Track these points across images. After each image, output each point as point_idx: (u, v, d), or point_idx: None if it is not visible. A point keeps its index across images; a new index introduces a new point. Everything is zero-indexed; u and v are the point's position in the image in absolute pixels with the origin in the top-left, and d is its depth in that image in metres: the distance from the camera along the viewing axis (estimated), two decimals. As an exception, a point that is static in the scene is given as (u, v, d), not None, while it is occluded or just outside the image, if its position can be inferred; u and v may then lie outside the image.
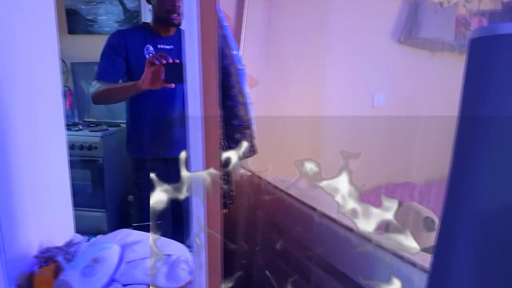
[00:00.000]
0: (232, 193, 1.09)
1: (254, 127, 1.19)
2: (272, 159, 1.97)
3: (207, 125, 0.66)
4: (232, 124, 1.03)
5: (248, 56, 1.86)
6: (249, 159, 1.86)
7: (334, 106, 2.16)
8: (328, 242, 1.27)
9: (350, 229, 1.16)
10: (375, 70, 2.24)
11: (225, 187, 1.02)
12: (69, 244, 1.09)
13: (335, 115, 2.17)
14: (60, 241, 1.12)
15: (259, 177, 1.66)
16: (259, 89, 1.93)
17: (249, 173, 1.76)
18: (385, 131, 2.28)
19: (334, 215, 1.26)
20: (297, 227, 1.43)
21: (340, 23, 2.05)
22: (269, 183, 1.60)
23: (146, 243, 1.18)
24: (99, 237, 1.19)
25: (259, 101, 1.92)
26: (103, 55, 1.45)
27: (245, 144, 1.03)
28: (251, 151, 1.15)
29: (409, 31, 2.12)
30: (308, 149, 2.07)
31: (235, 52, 1.15)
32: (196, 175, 0.66)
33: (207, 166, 0.66)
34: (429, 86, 2.04)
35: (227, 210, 1.20)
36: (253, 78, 1.58)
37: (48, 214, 1.12)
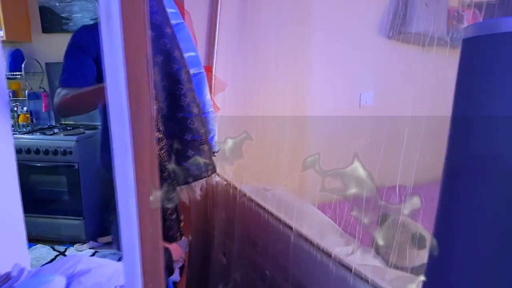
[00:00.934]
0: (180, 225, 0.93)
1: (215, 139, 1.03)
2: (251, 165, 1.83)
3: (137, 147, 0.52)
4: (184, 139, 0.88)
5: (222, 53, 1.71)
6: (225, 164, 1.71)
7: (318, 105, 2.01)
8: (304, 264, 1.13)
9: (329, 254, 1.02)
10: (362, 67, 2.08)
11: (171, 217, 0.87)
12: (4, 279, 0.94)
13: (319, 115, 2.02)
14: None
15: (235, 187, 1.51)
16: (234, 88, 1.78)
17: (225, 182, 1.61)
18: (373, 132, 2.13)
19: (311, 236, 1.11)
20: (272, 245, 1.29)
21: (322, 17, 1.89)
22: (244, 194, 1.45)
23: (97, 273, 1.03)
24: (43, 267, 1.05)
25: (233, 101, 1.77)
26: (67, 56, 1.17)
27: (199, 162, 0.89)
28: (208, 169, 0.99)
29: (398, 25, 1.96)
30: (290, 152, 1.92)
31: (191, 54, 1.00)
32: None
33: (138, 192, 0.51)
34: (419, 84, 1.90)
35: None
36: (221, 81, 1.43)
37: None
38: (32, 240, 2.43)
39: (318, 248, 1.07)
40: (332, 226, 1.35)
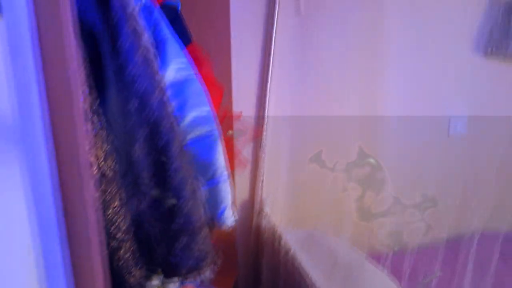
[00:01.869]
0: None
1: (227, 212, 0.84)
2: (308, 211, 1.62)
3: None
4: (170, 230, 0.70)
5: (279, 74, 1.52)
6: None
7: (394, 132, 1.71)
8: None
9: None
10: (452, 88, 1.71)
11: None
12: None
13: (395, 143, 1.71)
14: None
15: (279, 237, 1.32)
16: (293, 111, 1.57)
17: (270, 225, 1.43)
18: (464, 167, 1.76)
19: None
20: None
21: (400, 27, 1.58)
22: (288, 250, 1.25)
23: None
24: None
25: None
26: None
27: (191, 252, 0.71)
28: (204, 262, 0.79)
29: (500, 41, 1.56)
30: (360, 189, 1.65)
31: (202, 111, 0.83)
32: None
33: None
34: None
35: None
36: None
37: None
38: None
39: None
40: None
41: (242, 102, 1.48)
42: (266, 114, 1.51)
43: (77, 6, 0.61)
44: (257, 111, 1.50)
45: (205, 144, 0.85)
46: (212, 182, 0.85)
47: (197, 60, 1.00)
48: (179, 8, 1.14)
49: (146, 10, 0.84)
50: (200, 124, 0.85)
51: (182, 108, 0.84)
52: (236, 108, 1.43)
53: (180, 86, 0.85)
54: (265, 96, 1.50)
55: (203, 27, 1.36)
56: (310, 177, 1.59)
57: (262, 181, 1.56)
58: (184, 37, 1.09)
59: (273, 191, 1.58)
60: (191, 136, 0.84)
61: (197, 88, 0.86)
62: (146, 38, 0.71)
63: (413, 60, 1.65)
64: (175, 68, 0.84)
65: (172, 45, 0.85)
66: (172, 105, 0.81)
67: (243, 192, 1.56)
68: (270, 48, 1.49)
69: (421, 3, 1.59)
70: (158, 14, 0.85)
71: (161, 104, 0.69)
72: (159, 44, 0.84)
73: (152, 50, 0.72)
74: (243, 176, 1.53)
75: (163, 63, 0.83)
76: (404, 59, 1.62)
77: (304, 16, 1.56)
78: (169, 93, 0.83)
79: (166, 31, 0.85)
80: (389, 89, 1.63)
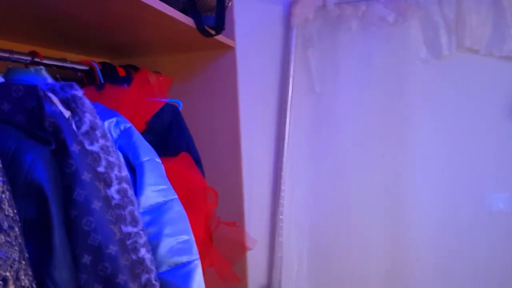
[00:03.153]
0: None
1: None
2: None
3: None
4: None
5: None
6: None
7: (424, 210, 1.55)
8: None
9: None
10: (492, 160, 1.54)
11: None
12: None
13: (426, 222, 1.55)
14: None
15: None
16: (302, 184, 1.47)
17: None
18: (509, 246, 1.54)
19: None
20: None
21: (429, 90, 1.46)
22: None
23: None
24: None
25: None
26: None
27: None
28: None
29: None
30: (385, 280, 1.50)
31: (180, 239, 0.77)
32: None
33: None
34: None
35: None
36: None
37: None
38: None
39: None
40: None
41: (255, 190, 1.42)
42: (281, 200, 1.43)
43: (26, 158, 0.59)
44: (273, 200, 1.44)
45: (181, 274, 0.79)
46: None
47: (186, 169, 0.97)
48: (181, 107, 1.12)
49: (125, 135, 0.82)
50: (177, 254, 0.79)
51: (157, 236, 0.79)
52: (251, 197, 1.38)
53: (156, 213, 0.80)
54: (279, 186, 1.43)
55: (212, 110, 1.34)
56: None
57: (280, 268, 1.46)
58: (180, 140, 1.06)
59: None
60: (165, 267, 0.79)
61: (176, 214, 0.81)
62: (106, 185, 0.67)
63: (443, 135, 1.50)
64: (152, 193, 0.80)
65: (151, 169, 0.81)
66: (145, 235, 0.77)
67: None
68: (284, 132, 1.43)
69: (449, 73, 1.46)
70: (138, 136, 0.82)
71: (117, 256, 0.64)
72: (137, 168, 0.81)
73: (115, 193, 0.69)
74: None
75: (140, 188, 0.80)
76: (432, 134, 1.48)
77: (320, 94, 1.49)
78: (145, 219, 0.80)
79: (146, 154, 0.82)
80: (415, 166, 1.49)
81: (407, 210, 1.47)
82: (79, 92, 0.73)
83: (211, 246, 0.95)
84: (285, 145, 1.45)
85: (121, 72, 1.13)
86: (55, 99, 0.70)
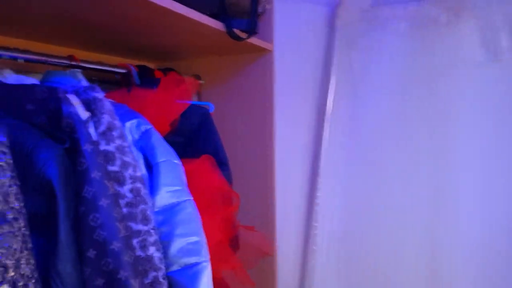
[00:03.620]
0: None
1: None
2: None
3: None
4: None
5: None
6: None
7: (467, 222, 1.40)
8: None
9: None
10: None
11: None
12: None
13: (470, 239, 1.40)
14: None
15: None
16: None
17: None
18: None
19: None
20: None
21: (478, 96, 1.33)
22: None
23: None
24: None
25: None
26: None
27: None
28: None
29: None
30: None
31: (190, 240, 0.78)
32: None
33: None
34: None
35: None
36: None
37: None
38: None
39: None
40: None
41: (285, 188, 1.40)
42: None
43: (41, 157, 0.64)
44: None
45: (189, 274, 0.80)
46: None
47: (207, 171, 0.98)
48: (212, 109, 1.14)
49: (145, 136, 0.84)
50: (186, 255, 0.80)
51: (169, 236, 0.81)
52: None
53: (169, 213, 0.82)
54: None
55: (247, 113, 1.34)
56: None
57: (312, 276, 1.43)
58: (208, 143, 1.08)
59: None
60: (175, 267, 0.80)
61: (188, 215, 0.82)
62: (117, 185, 0.71)
63: (496, 141, 1.35)
64: (167, 194, 0.82)
65: (167, 170, 0.83)
66: (157, 234, 0.79)
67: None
68: (321, 137, 1.40)
69: (508, 77, 1.32)
70: (157, 138, 0.85)
71: (120, 253, 0.67)
72: (153, 168, 0.84)
73: (122, 192, 0.72)
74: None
75: (155, 188, 0.82)
76: (482, 142, 1.34)
77: (361, 98, 1.43)
78: (158, 218, 0.82)
79: (163, 155, 0.84)
80: (461, 176, 1.36)
81: (449, 220, 1.34)
82: (99, 94, 0.77)
83: (227, 248, 0.95)
84: (322, 150, 1.41)
85: (158, 75, 1.17)
86: (76, 101, 0.74)
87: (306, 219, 1.45)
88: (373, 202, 1.37)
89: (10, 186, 0.57)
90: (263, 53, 1.29)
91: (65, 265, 0.63)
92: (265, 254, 1.09)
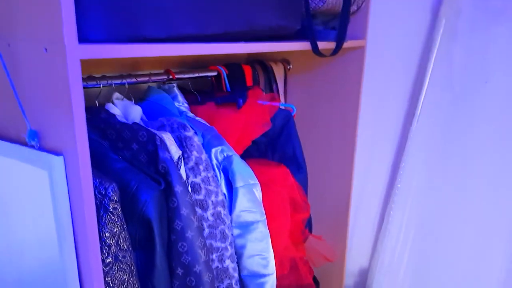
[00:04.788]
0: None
1: None
2: None
3: None
4: None
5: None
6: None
7: None
8: None
9: None
10: None
11: None
12: None
13: None
14: None
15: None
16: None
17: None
18: None
19: None
20: None
21: None
22: None
23: None
24: None
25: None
26: None
27: None
28: None
29: None
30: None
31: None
32: None
33: None
34: None
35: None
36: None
37: None
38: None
39: None
40: None
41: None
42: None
43: (141, 199, 0.78)
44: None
45: (255, 283, 0.96)
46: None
47: (282, 180, 1.07)
48: (294, 111, 1.18)
49: (228, 161, 0.95)
50: (256, 266, 0.95)
51: (243, 248, 0.95)
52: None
53: (245, 229, 0.95)
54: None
55: (330, 110, 1.35)
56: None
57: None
58: (287, 145, 1.15)
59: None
60: (245, 272, 0.96)
61: (260, 234, 0.95)
62: (199, 217, 0.84)
63: None
64: (243, 213, 0.94)
65: (244, 193, 0.94)
66: (232, 248, 0.94)
67: None
68: (408, 133, 1.36)
69: None
70: (237, 162, 0.95)
71: (201, 274, 0.83)
72: (233, 192, 0.95)
73: (205, 227, 0.85)
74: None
75: (233, 207, 0.95)
76: None
77: (459, 94, 1.34)
78: (235, 232, 0.96)
79: (241, 179, 0.94)
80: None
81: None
82: (189, 133, 0.87)
83: (292, 251, 1.07)
84: (406, 148, 1.38)
85: (247, 71, 1.22)
86: (170, 139, 0.85)
87: (379, 221, 1.50)
88: (453, 207, 1.36)
89: (120, 233, 0.73)
90: (355, 49, 1.24)
91: (159, 281, 0.81)
92: (328, 260, 1.20)
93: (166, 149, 0.82)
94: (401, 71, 1.38)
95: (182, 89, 1.07)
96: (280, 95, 1.31)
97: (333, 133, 1.34)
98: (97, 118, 0.88)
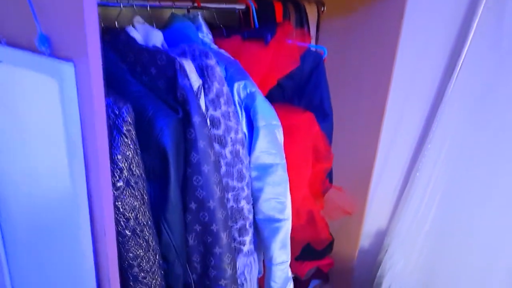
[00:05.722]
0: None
1: None
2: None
3: None
4: None
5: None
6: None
7: None
8: None
9: None
10: None
11: None
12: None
13: None
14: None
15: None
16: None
17: None
18: None
19: None
20: None
21: None
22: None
23: None
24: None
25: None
26: None
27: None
28: None
29: None
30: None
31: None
32: None
33: None
34: None
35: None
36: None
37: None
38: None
39: None
40: None
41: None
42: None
43: (158, 125, 0.74)
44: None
45: (271, 227, 0.92)
46: (269, 263, 0.93)
47: (307, 127, 1.01)
48: (325, 54, 1.10)
49: (250, 97, 0.88)
50: (272, 210, 0.91)
51: (260, 191, 0.91)
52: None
53: (263, 171, 0.90)
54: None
55: (363, 60, 1.26)
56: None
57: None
58: (315, 91, 1.08)
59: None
60: (260, 216, 0.92)
61: (279, 177, 0.90)
62: (216, 153, 0.79)
63: None
64: (262, 154, 0.89)
65: (265, 134, 0.88)
66: (248, 189, 0.90)
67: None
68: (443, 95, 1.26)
69: None
70: (260, 100, 0.88)
71: (214, 210, 0.79)
72: (254, 131, 0.89)
73: (222, 160, 0.80)
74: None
75: (253, 148, 0.89)
76: None
77: (507, 52, 1.22)
78: (253, 174, 0.91)
79: (263, 119, 0.88)
80: None
81: None
82: (212, 61, 0.80)
83: (311, 203, 1.03)
84: (441, 107, 1.29)
85: (278, 8, 1.13)
86: (191, 66, 0.79)
87: (403, 184, 1.43)
88: (481, 184, 1.27)
89: (133, 157, 0.69)
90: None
91: (172, 215, 0.77)
92: (347, 213, 1.15)
93: (186, 76, 0.76)
94: (442, 25, 1.25)
95: (207, 24, 1.00)
96: (311, 38, 1.22)
97: (365, 84, 1.24)
98: (116, 39, 0.82)
